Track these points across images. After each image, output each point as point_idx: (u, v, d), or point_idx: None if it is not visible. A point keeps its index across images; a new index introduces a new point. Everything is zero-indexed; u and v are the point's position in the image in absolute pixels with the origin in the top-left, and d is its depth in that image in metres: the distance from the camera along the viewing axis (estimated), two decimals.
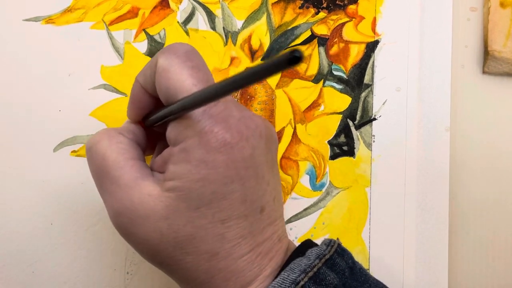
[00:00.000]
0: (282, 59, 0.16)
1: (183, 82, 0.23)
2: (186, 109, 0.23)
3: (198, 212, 0.23)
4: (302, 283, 0.23)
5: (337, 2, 0.36)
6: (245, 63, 0.36)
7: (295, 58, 0.16)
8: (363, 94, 0.36)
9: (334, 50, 0.36)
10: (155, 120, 0.26)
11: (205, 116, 0.23)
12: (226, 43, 0.36)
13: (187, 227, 0.23)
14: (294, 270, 0.24)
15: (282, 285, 0.23)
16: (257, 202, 0.25)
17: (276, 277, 0.24)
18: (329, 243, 0.26)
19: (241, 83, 0.19)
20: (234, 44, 0.36)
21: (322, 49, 0.36)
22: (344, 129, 0.36)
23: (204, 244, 0.24)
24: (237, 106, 0.25)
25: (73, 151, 0.35)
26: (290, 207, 0.35)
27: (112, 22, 0.36)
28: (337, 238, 0.27)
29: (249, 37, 0.36)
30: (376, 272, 0.35)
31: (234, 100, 0.25)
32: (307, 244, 0.27)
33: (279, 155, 0.35)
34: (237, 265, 0.24)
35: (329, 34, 0.36)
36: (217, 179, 0.23)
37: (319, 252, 0.25)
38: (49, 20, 0.36)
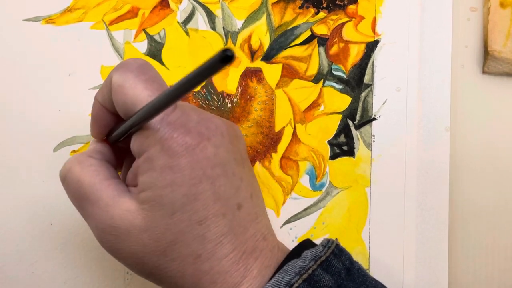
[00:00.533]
0: (215, 59, 0.17)
1: (139, 95, 0.24)
2: (144, 119, 0.23)
3: (174, 217, 0.24)
4: (296, 285, 0.23)
5: (337, 2, 0.36)
6: (245, 63, 0.36)
7: (227, 57, 0.16)
8: (363, 94, 0.36)
9: (334, 50, 0.36)
10: (118, 136, 0.27)
11: (164, 123, 0.24)
12: (226, 43, 0.36)
13: (166, 234, 0.24)
14: (288, 272, 0.24)
15: (276, 287, 0.23)
16: (232, 199, 0.25)
17: (270, 278, 0.24)
18: (326, 244, 0.26)
19: (186, 86, 0.20)
20: (234, 44, 0.36)
21: (322, 49, 0.36)
22: (344, 129, 0.36)
23: (186, 248, 0.24)
24: (195, 110, 0.25)
25: (73, 151, 0.35)
26: (290, 207, 0.35)
27: (112, 22, 0.36)
28: (336, 239, 0.27)
29: (249, 37, 0.36)
30: (376, 272, 0.35)
31: (192, 106, 0.26)
32: (305, 245, 0.26)
33: (279, 155, 0.35)
34: (221, 265, 0.24)
35: (329, 34, 0.36)
36: (185, 181, 0.23)
37: (315, 254, 0.25)
38: (49, 20, 0.36)
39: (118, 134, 0.27)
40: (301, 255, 0.25)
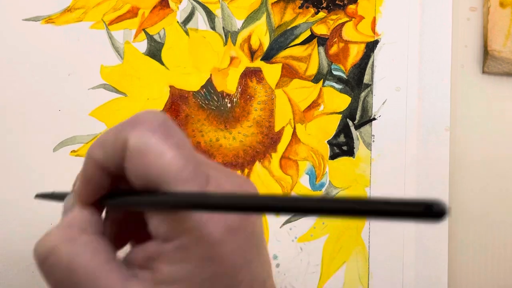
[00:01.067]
0: (422, 207, 0.13)
1: (169, 166, 0.19)
2: (184, 207, 0.19)
3: None
4: None
5: (336, 2, 0.36)
6: (244, 63, 0.36)
7: (438, 214, 0.12)
8: (363, 94, 0.36)
9: (333, 50, 0.36)
10: (125, 206, 0.22)
11: None
12: (225, 43, 0.36)
13: None
14: None
15: None
16: (261, 277, 0.22)
17: None
18: None
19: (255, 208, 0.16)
20: (234, 43, 0.36)
21: (321, 49, 0.36)
22: (343, 129, 0.36)
23: None
24: (228, 181, 0.21)
25: (73, 151, 0.35)
26: None
27: (111, 22, 0.36)
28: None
29: (249, 37, 0.36)
30: (376, 272, 0.35)
31: (224, 173, 0.22)
32: None
33: (279, 155, 0.35)
34: None
35: (328, 34, 0.36)
36: (226, 272, 0.20)
37: None
38: (49, 20, 0.36)
39: (128, 204, 0.22)
40: None
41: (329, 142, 0.36)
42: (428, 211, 0.12)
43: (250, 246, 0.21)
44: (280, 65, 0.36)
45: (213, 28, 0.36)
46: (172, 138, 0.20)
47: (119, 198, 0.22)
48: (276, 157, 0.35)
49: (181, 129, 0.21)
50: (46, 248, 0.20)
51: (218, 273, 0.20)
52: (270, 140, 0.35)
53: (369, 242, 0.35)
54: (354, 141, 0.36)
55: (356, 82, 0.36)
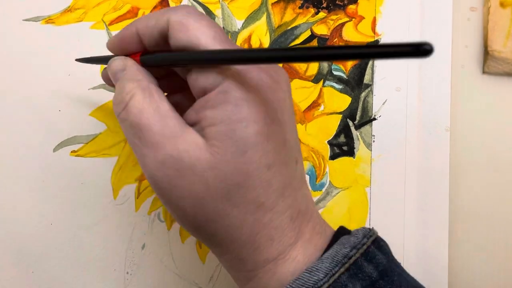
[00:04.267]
0: (410, 46, 0.15)
1: (205, 35, 0.23)
2: (222, 61, 0.22)
3: (245, 157, 0.22)
4: (354, 258, 0.23)
5: (337, 2, 0.36)
6: None
7: (426, 51, 0.15)
8: (363, 94, 0.36)
9: None
10: (167, 62, 0.25)
11: None
12: None
13: (234, 174, 0.22)
14: (345, 245, 0.23)
15: (335, 258, 0.23)
16: (294, 151, 0.24)
17: (327, 248, 0.24)
18: (367, 229, 0.25)
19: (328, 56, 0.18)
20: None
21: None
22: (344, 129, 0.36)
23: (251, 193, 0.22)
24: None
25: (73, 151, 0.35)
26: None
27: (112, 22, 0.36)
28: (372, 227, 0.26)
29: (249, 37, 0.36)
30: None
31: None
32: (341, 231, 0.26)
33: None
34: (280, 220, 0.23)
35: (329, 34, 0.36)
36: (259, 118, 0.22)
37: (365, 233, 0.24)
38: (49, 20, 0.36)
39: (170, 60, 0.25)
40: (351, 232, 0.25)
41: (329, 142, 0.36)
42: (417, 50, 0.15)
43: (281, 108, 0.23)
44: (280, 65, 0.36)
45: None
46: (205, 20, 0.23)
47: (165, 55, 0.25)
48: None
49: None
50: (126, 95, 0.24)
51: (252, 117, 0.22)
52: None
53: None
54: (354, 141, 0.36)
55: (356, 82, 0.36)
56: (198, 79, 0.23)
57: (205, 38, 0.23)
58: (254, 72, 0.23)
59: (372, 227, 0.26)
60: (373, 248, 0.24)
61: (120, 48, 0.26)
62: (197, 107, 0.23)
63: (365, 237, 0.24)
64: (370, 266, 0.23)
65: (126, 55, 0.27)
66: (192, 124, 0.24)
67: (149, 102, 0.24)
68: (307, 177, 0.35)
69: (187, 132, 0.23)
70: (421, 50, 0.15)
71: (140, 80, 0.25)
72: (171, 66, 0.26)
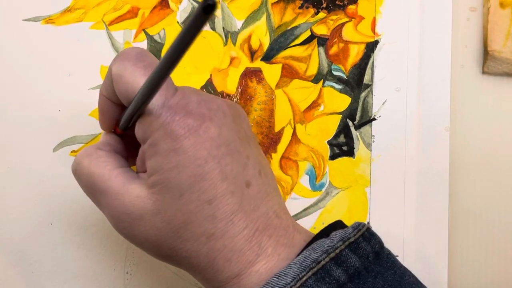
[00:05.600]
0: (197, 12, 0.17)
1: (139, 82, 0.24)
2: (142, 102, 0.24)
3: (183, 198, 0.24)
4: (323, 262, 0.24)
5: (336, 2, 0.36)
6: (244, 63, 0.36)
7: (209, 6, 0.16)
8: (363, 94, 0.36)
9: (333, 50, 0.36)
10: (124, 125, 0.27)
11: (165, 108, 0.24)
12: (225, 43, 0.36)
13: (177, 215, 0.24)
14: (316, 250, 0.24)
15: (303, 263, 0.24)
16: (240, 177, 0.25)
17: (298, 255, 0.25)
18: (357, 226, 0.26)
19: (175, 54, 0.20)
20: (234, 44, 0.36)
21: (321, 49, 0.36)
22: (343, 129, 0.36)
23: (198, 228, 0.24)
24: (195, 92, 0.26)
25: (73, 151, 0.35)
26: (290, 207, 0.35)
27: (112, 22, 0.36)
28: (368, 222, 0.27)
29: (249, 37, 0.36)
30: None
31: (192, 88, 0.26)
32: (335, 226, 0.27)
33: (279, 155, 0.35)
34: (235, 243, 0.24)
35: (328, 34, 0.36)
36: (190, 162, 0.24)
37: (344, 235, 0.25)
38: (49, 20, 0.36)
39: (123, 122, 0.27)
40: (330, 235, 0.25)
41: (329, 142, 0.36)
42: (207, 5, 0.16)
43: (216, 145, 0.24)
44: (280, 65, 0.36)
45: (213, 28, 0.36)
46: (143, 62, 0.25)
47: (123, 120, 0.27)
48: (276, 157, 0.35)
49: (154, 57, 0.26)
50: (75, 163, 0.28)
51: (182, 163, 0.24)
52: (270, 140, 0.36)
53: None
54: (354, 141, 0.36)
55: (356, 82, 0.36)
56: (137, 131, 0.26)
57: (138, 81, 0.24)
58: (181, 119, 0.24)
59: (368, 222, 0.26)
60: (347, 252, 0.24)
61: (107, 123, 0.29)
62: (140, 156, 0.26)
63: (341, 240, 0.25)
64: (339, 270, 0.24)
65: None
66: (142, 171, 0.26)
67: (94, 166, 0.26)
68: (307, 177, 0.35)
69: (130, 187, 0.25)
70: (204, 6, 0.16)
71: (88, 148, 0.28)
72: (130, 125, 0.27)
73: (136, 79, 0.25)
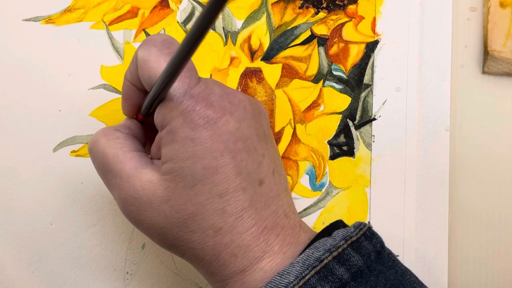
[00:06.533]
0: None
1: (162, 68, 0.24)
2: (163, 87, 0.23)
3: (195, 189, 0.24)
4: (326, 261, 0.24)
5: (337, 2, 0.36)
6: (245, 63, 0.36)
7: None
8: (363, 94, 0.36)
9: (334, 50, 0.36)
10: (145, 110, 0.27)
11: (187, 96, 0.24)
12: (225, 43, 0.36)
13: (187, 205, 0.24)
14: (318, 249, 0.24)
15: (306, 262, 0.24)
16: (254, 175, 0.25)
17: (300, 254, 0.25)
18: (359, 225, 0.26)
19: (195, 35, 0.20)
20: (234, 44, 0.36)
21: (322, 49, 0.36)
22: (343, 129, 0.36)
23: (206, 220, 0.24)
24: (218, 84, 0.26)
25: (73, 151, 0.35)
26: None
27: (112, 22, 0.36)
28: (369, 222, 0.27)
29: (249, 37, 0.36)
30: None
31: (215, 80, 0.26)
32: (337, 225, 0.27)
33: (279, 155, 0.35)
34: (242, 239, 0.24)
35: (329, 34, 0.36)
36: (206, 154, 0.24)
37: (346, 234, 0.25)
38: (49, 20, 0.36)
39: (145, 108, 0.27)
40: (332, 234, 0.25)
41: (329, 142, 0.36)
42: None
43: (233, 139, 0.24)
44: (280, 65, 0.36)
45: (213, 28, 0.36)
46: (168, 49, 0.25)
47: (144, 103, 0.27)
48: None
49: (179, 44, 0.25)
50: (92, 141, 0.27)
51: (198, 154, 0.24)
52: None
53: None
54: (354, 141, 0.36)
55: (356, 82, 0.36)
56: (156, 117, 0.26)
57: (162, 67, 0.24)
58: (201, 109, 0.24)
59: (368, 221, 0.26)
60: (349, 250, 0.24)
61: (129, 108, 0.29)
62: (157, 142, 0.26)
63: (344, 239, 0.25)
64: (341, 268, 0.24)
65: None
66: (156, 157, 0.26)
67: (109, 146, 0.26)
68: (307, 177, 0.35)
69: (143, 172, 0.25)
70: None
71: (107, 128, 0.28)
72: (151, 111, 0.27)
73: (161, 64, 0.25)
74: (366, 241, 0.25)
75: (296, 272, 0.23)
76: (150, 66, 0.25)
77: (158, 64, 0.25)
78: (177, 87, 0.24)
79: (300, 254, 0.25)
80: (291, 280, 0.23)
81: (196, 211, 0.24)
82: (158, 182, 0.25)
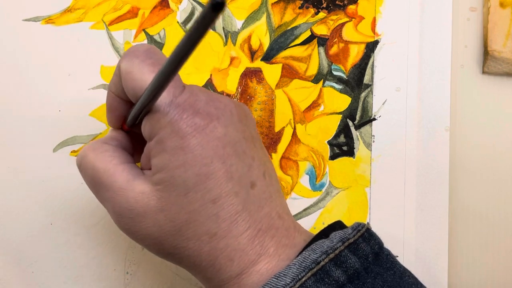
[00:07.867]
0: (205, 9, 0.17)
1: (147, 79, 0.24)
2: (150, 99, 0.23)
3: (188, 197, 0.24)
4: (322, 263, 0.24)
5: (337, 2, 0.36)
6: (245, 63, 0.36)
7: (218, 4, 0.16)
8: (363, 94, 0.36)
9: (334, 50, 0.36)
10: (131, 122, 0.27)
11: (172, 106, 0.24)
12: (225, 43, 0.36)
13: (181, 214, 0.24)
14: (315, 251, 0.24)
15: (302, 264, 0.24)
16: (245, 178, 0.25)
17: (297, 256, 0.25)
18: (357, 227, 0.26)
19: (184, 49, 0.20)
20: (234, 44, 0.36)
21: (322, 49, 0.36)
22: (343, 129, 0.36)
23: (200, 227, 0.24)
24: (203, 91, 0.26)
25: (73, 151, 0.35)
26: (290, 207, 0.35)
27: (112, 22, 0.36)
28: (368, 223, 0.27)
29: (249, 37, 0.36)
30: None
31: (200, 87, 0.26)
32: (335, 226, 0.27)
33: (279, 155, 0.35)
34: (237, 243, 0.25)
35: (329, 34, 0.36)
36: (196, 161, 0.24)
37: (343, 236, 0.25)
38: (49, 20, 0.36)
39: (131, 119, 0.27)
40: (329, 236, 0.25)
41: (329, 142, 0.36)
42: (215, 4, 0.16)
43: (222, 145, 0.25)
44: (280, 65, 0.36)
45: (213, 28, 0.36)
46: (150, 59, 0.25)
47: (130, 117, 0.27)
48: (276, 157, 0.35)
49: (162, 54, 0.26)
50: (80, 156, 0.27)
51: (189, 161, 0.24)
52: (270, 140, 0.36)
53: None
54: (354, 141, 0.36)
55: (356, 82, 0.36)
56: (144, 128, 0.26)
57: (146, 78, 0.24)
58: (188, 117, 0.24)
59: (368, 222, 0.26)
60: (346, 252, 0.25)
61: (115, 119, 0.28)
62: (146, 153, 0.26)
63: (341, 241, 0.25)
64: (338, 270, 0.24)
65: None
66: (147, 168, 0.26)
67: (99, 160, 0.26)
68: (307, 177, 0.35)
69: (135, 183, 0.25)
70: (213, 4, 0.16)
71: (95, 142, 0.28)
72: (137, 122, 0.27)
73: (144, 76, 0.25)
74: (363, 242, 0.25)
75: (293, 274, 0.24)
76: (134, 78, 0.25)
77: (142, 75, 0.25)
78: (163, 97, 0.24)
79: (297, 256, 0.25)
80: (288, 282, 0.23)
81: (190, 218, 0.24)
82: (151, 193, 0.25)
